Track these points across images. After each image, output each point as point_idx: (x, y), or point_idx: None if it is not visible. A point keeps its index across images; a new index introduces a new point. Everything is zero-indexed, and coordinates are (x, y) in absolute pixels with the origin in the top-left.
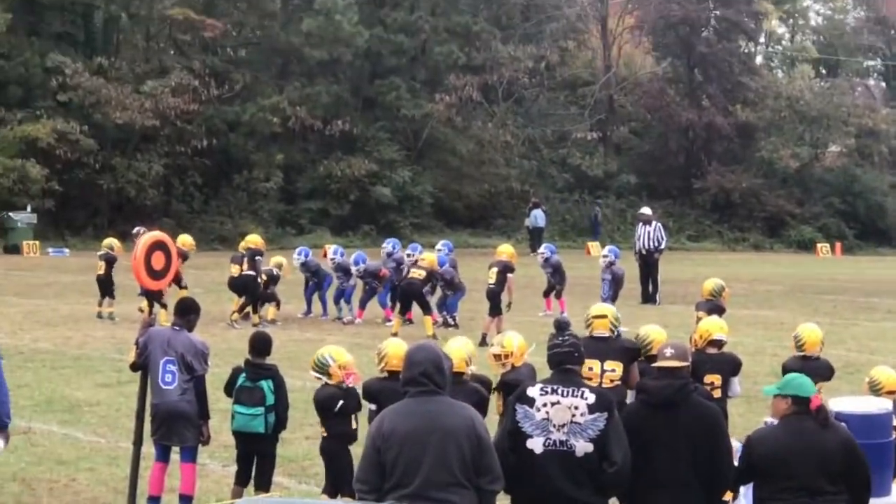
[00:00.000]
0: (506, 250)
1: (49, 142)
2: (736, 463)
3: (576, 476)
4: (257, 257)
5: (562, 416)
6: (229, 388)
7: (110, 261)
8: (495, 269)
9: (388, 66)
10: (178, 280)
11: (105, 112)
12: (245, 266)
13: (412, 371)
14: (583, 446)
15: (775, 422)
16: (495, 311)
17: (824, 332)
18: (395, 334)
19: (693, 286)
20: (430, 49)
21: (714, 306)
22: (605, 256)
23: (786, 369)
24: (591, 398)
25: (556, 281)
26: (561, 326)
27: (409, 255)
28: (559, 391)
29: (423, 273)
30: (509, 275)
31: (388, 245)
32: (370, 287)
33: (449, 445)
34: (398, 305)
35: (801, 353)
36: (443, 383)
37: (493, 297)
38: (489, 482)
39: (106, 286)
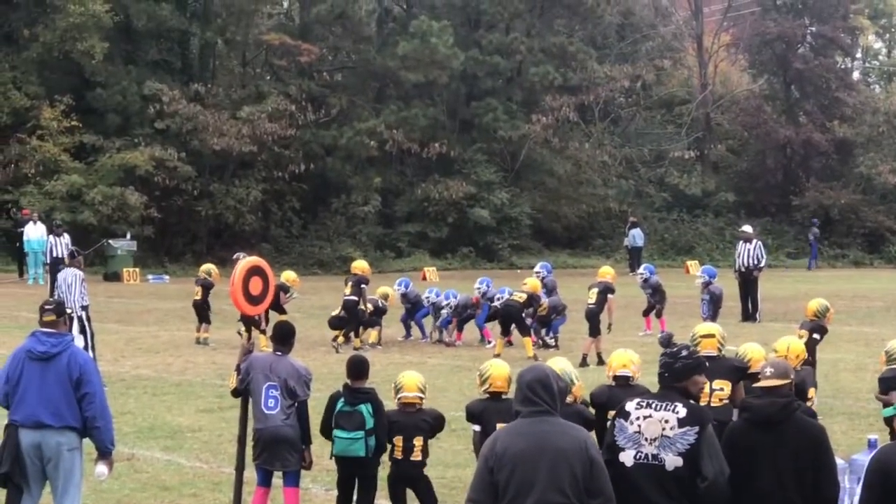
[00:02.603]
0: (607, 272)
1: (147, 169)
2: (844, 482)
3: (668, 491)
4: (362, 285)
5: (653, 430)
6: (328, 417)
7: (207, 286)
8: (595, 290)
9: (484, 87)
10: (277, 306)
11: (202, 138)
12: (349, 291)
13: (524, 392)
14: (672, 460)
15: (876, 438)
16: (595, 331)
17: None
18: (497, 355)
19: (793, 303)
20: (525, 70)
21: (817, 326)
22: (700, 277)
23: (885, 379)
24: (683, 412)
25: (657, 301)
26: (668, 342)
27: (477, 289)
28: (653, 405)
29: (524, 296)
30: (610, 296)
31: (483, 285)
32: (468, 315)
33: (561, 466)
34: (499, 328)
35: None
36: (554, 404)
37: (593, 317)
38: None
39: (202, 311)
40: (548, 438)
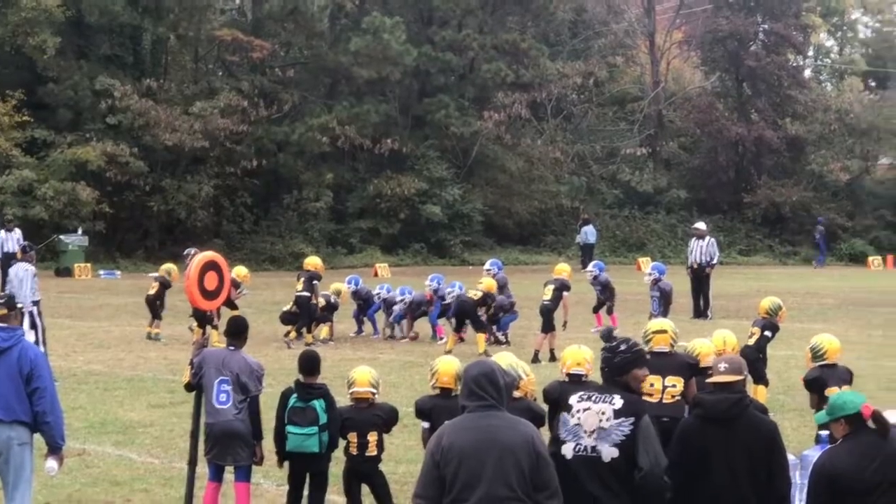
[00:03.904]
0: (563, 269)
1: (99, 164)
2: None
3: (607, 483)
4: (315, 281)
5: (591, 422)
6: (281, 412)
7: (164, 284)
8: (551, 287)
9: (436, 84)
10: (229, 302)
11: (154, 134)
12: (301, 287)
13: (469, 386)
14: (609, 451)
15: (827, 434)
16: (548, 328)
17: (877, 345)
18: (449, 351)
19: (745, 300)
20: (478, 67)
21: (769, 324)
22: (649, 274)
23: (810, 379)
24: (619, 403)
25: (606, 297)
26: (609, 336)
27: (428, 286)
28: (593, 398)
29: (479, 294)
30: (565, 293)
31: (433, 282)
32: (421, 312)
33: (507, 460)
34: (453, 323)
35: (822, 363)
36: (500, 398)
37: (547, 313)
38: (546, 497)
39: (154, 307)
40: (494, 433)
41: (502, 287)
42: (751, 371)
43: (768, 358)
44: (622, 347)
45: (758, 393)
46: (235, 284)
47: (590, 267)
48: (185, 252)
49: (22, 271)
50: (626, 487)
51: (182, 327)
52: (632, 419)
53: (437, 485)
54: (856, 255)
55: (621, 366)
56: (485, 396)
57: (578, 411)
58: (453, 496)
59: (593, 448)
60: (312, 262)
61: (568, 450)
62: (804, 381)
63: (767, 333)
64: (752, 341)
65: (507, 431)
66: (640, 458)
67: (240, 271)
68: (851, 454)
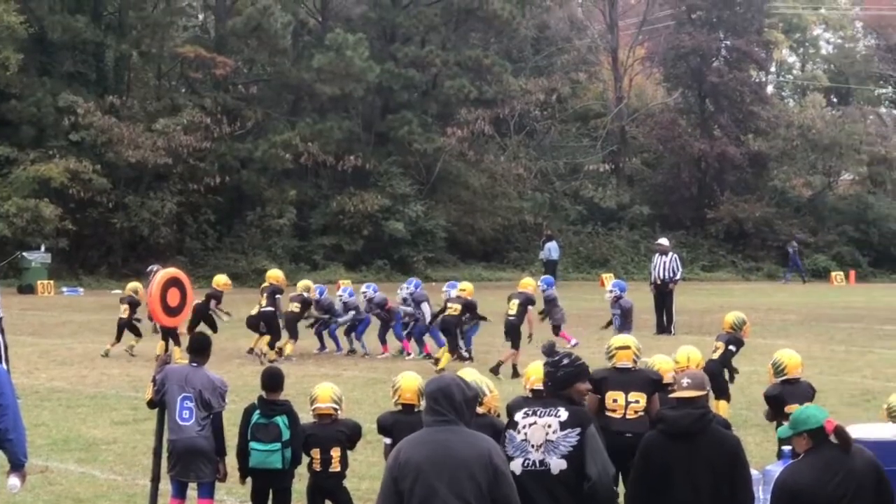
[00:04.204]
0: (528, 283)
1: (62, 181)
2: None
3: (556, 496)
4: (277, 295)
5: (538, 436)
6: (244, 428)
7: (133, 304)
8: (516, 301)
9: (399, 100)
10: (211, 323)
11: (117, 151)
12: (265, 302)
13: (428, 402)
14: (557, 463)
15: (790, 449)
16: (516, 343)
17: (840, 360)
18: (442, 369)
19: (708, 316)
20: (441, 83)
21: (733, 339)
22: (610, 291)
23: (768, 397)
24: (564, 415)
25: (546, 312)
26: (551, 350)
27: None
28: (538, 412)
29: (458, 307)
30: (530, 307)
31: (411, 286)
32: (383, 320)
33: (462, 475)
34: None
35: (783, 378)
36: (458, 414)
37: (513, 329)
38: None
39: (129, 328)
40: (449, 447)
41: (420, 303)
42: (713, 386)
43: (734, 373)
44: (565, 362)
45: (719, 408)
46: (216, 297)
47: (610, 286)
48: (148, 269)
49: None
50: (575, 499)
51: (145, 344)
52: (578, 429)
53: (395, 500)
54: (818, 271)
55: (564, 379)
56: (442, 412)
57: (524, 427)
58: None
59: (541, 462)
60: (274, 275)
61: (516, 466)
62: (764, 396)
63: (732, 348)
64: (716, 355)
65: (463, 446)
66: (588, 467)
67: (219, 280)
68: (813, 469)
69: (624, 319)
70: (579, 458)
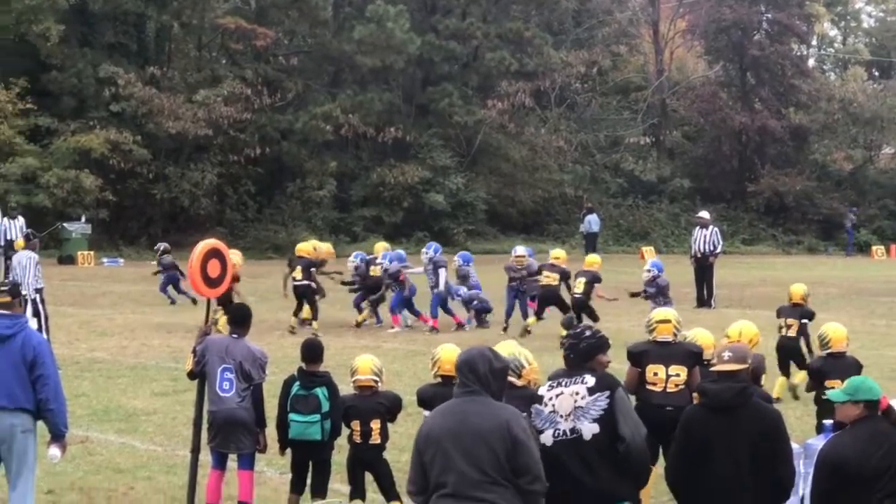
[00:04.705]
0: (594, 261)
1: (103, 152)
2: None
3: (589, 463)
4: (312, 269)
5: (566, 405)
6: (283, 399)
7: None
8: (583, 280)
9: (440, 72)
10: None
11: (158, 122)
12: (300, 276)
13: (458, 373)
14: (589, 428)
15: (831, 422)
16: (594, 318)
17: (880, 335)
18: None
19: (749, 290)
20: (482, 55)
21: (806, 312)
22: (648, 271)
23: (812, 369)
24: (591, 381)
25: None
26: (571, 323)
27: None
28: (563, 383)
29: (555, 275)
30: (597, 285)
31: (430, 250)
32: (399, 291)
33: (478, 445)
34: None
35: (828, 351)
36: (485, 384)
37: (583, 306)
38: (528, 483)
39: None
40: (468, 418)
41: (438, 268)
42: (795, 360)
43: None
44: (587, 334)
45: (798, 378)
46: (314, 264)
47: (648, 265)
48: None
49: (25, 259)
50: (608, 464)
51: (186, 314)
52: (607, 392)
53: (422, 471)
54: (859, 245)
55: (587, 351)
56: (467, 383)
57: (551, 399)
58: (434, 482)
59: (572, 430)
60: (306, 248)
61: (547, 437)
62: (808, 368)
63: (805, 321)
64: (791, 333)
65: (481, 417)
66: (620, 429)
67: (319, 246)
68: (858, 441)
69: (663, 297)
70: (611, 420)
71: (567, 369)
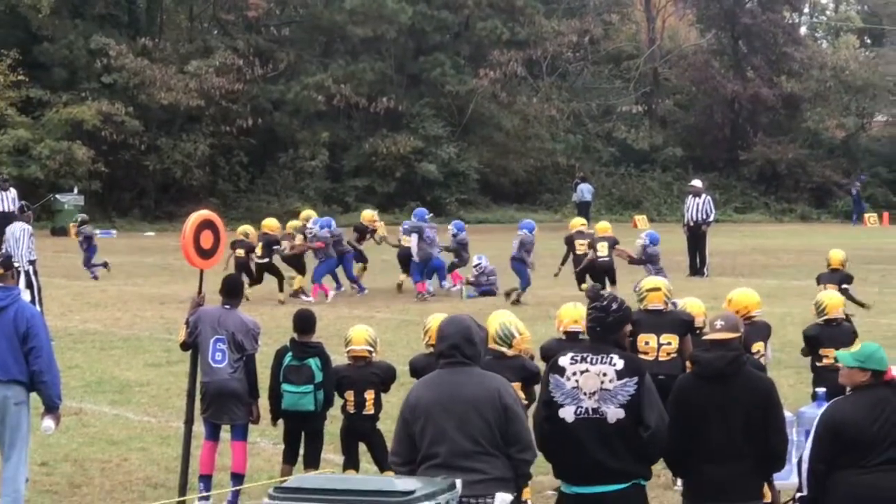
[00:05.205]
0: (606, 227)
1: (95, 123)
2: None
3: (611, 443)
4: (274, 246)
5: (592, 384)
6: (276, 370)
7: (248, 247)
8: (605, 244)
9: (431, 42)
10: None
11: (150, 93)
12: (261, 252)
13: (442, 344)
14: (614, 412)
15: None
16: (613, 280)
17: (873, 302)
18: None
19: (741, 257)
20: (473, 24)
21: (844, 276)
22: (640, 238)
23: (808, 336)
24: (620, 364)
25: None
26: (596, 294)
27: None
28: (588, 359)
29: (605, 244)
30: (617, 246)
31: (453, 228)
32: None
33: (471, 415)
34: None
35: (824, 318)
36: (472, 354)
37: (609, 269)
38: (518, 451)
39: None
40: (459, 388)
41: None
42: None
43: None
44: (613, 306)
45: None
46: (363, 230)
47: (642, 236)
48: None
49: (19, 230)
50: (629, 448)
51: (178, 286)
52: (636, 378)
53: (408, 442)
54: (851, 213)
55: (615, 325)
56: (455, 353)
57: (574, 374)
58: (423, 453)
59: (595, 409)
60: (269, 224)
61: (568, 413)
62: (803, 334)
63: (846, 286)
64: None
65: (471, 386)
66: (646, 416)
67: (366, 215)
68: (860, 407)
69: (653, 265)
70: (637, 407)
71: (592, 344)
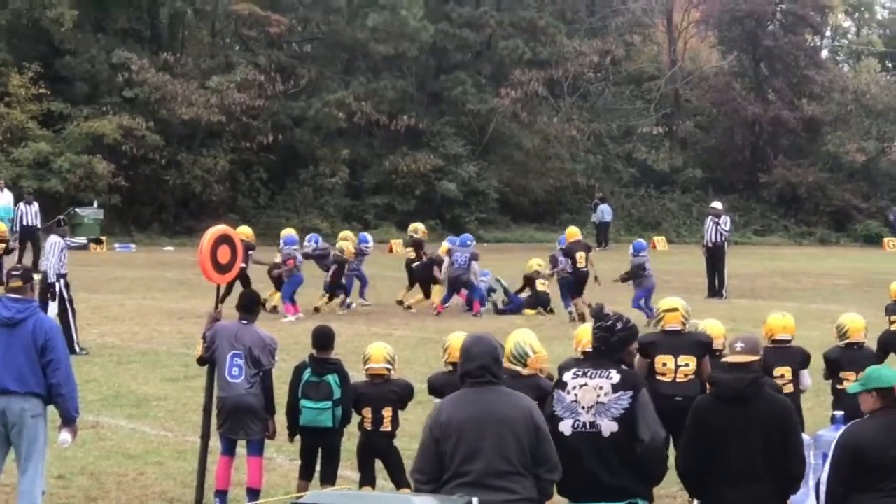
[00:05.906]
0: (576, 232)
1: (115, 138)
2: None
3: (606, 458)
4: (250, 251)
5: (589, 398)
6: (295, 386)
7: (341, 263)
8: (583, 253)
9: (453, 61)
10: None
11: (171, 108)
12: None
13: (471, 364)
14: (608, 426)
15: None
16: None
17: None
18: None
19: (760, 280)
20: (495, 44)
21: None
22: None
23: (828, 359)
24: (616, 378)
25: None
26: (600, 312)
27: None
28: (588, 373)
29: (583, 257)
30: (590, 254)
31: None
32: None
33: (506, 434)
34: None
35: (846, 342)
36: (500, 374)
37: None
38: (547, 471)
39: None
40: (493, 407)
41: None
42: None
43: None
44: (618, 326)
45: None
46: (249, 247)
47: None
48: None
49: (49, 244)
50: (625, 462)
51: (196, 301)
52: (630, 392)
53: (435, 460)
54: (871, 237)
55: (619, 345)
56: (484, 374)
57: (574, 388)
58: (453, 471)
59: (592, 423)
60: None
61: (566, 426)
62: (823, 356)
63: None
64: (894, 328)
65: (502, 406)
66: (640, 430)
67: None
68: (875, 430)
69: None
70: (631, 420)
71: (594, 360)
